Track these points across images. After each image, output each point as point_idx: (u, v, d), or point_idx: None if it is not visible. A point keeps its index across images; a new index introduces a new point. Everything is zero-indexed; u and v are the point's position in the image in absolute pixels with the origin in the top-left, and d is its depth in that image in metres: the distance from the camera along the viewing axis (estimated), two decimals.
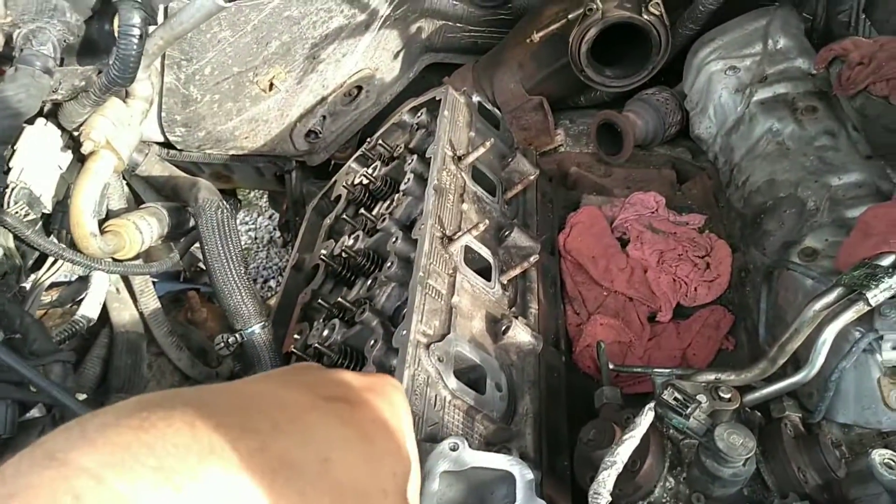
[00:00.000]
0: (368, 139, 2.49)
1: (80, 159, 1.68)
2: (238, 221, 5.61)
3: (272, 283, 5.16)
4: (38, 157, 1.60)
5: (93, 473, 0.49)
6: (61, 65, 1.60)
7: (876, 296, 1.23)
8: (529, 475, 1.24)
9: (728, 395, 1.28)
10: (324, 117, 2.58)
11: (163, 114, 2.10)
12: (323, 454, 0.64)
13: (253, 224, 5.73)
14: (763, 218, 1.78)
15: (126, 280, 1.74)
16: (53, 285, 1.71)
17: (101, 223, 1.67)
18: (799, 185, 1.71)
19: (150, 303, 1.77)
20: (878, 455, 1.19)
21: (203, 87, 2.09)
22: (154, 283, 2.85)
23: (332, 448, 0.66)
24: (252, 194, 5.57)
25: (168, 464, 0.52)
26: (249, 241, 5.60)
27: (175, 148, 2.29)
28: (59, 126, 1.68)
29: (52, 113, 1.69)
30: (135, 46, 1.48)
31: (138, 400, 0.60)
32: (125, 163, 1.69)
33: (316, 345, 1.66)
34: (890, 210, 1.33)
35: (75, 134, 1.68)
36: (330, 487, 0.62)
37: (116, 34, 1.51)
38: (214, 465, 0.54)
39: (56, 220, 1.62)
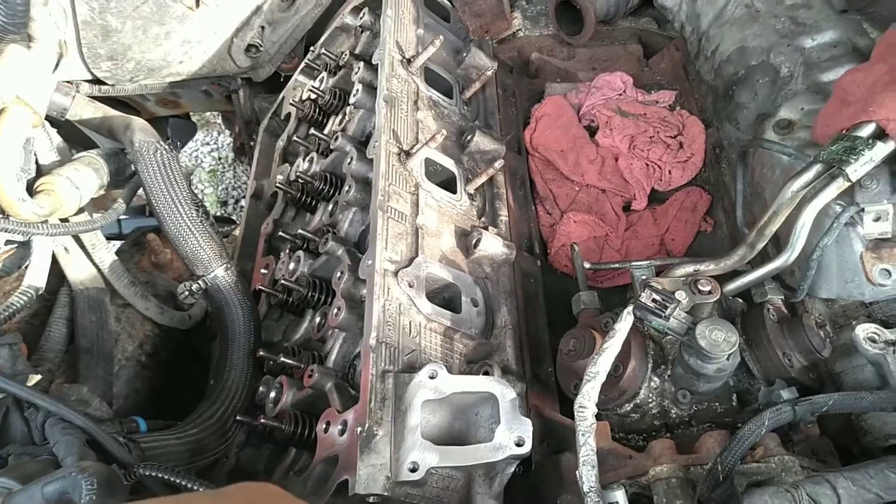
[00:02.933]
0: (312, 48, 2.32)
1: None
2: (199, 142, 5.36)
3: (244, 202, 4.93)
4: None
5: None
6: None
7: (856, 170, 1.16)
8: (511, 394, 1.21)
9: (708, 288, 1.23)
10: (262, 28, 2.38)
11: (84, 50, 1.93)
12: None
13: (215, 144, 5.42)
14: (735, 90, 1.68)
15: (76, 237, 1.63)
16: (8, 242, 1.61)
17: (33, 182, 1.55)
18: (771, 51, 1.60)
19: (105, 256, 1.67)
20: (862, 330, 1.17)
21: (121, 14, 1.90)
22: (120, 220, 2.72)
23: None
24: (208, 113, 5.23)
25: None
26: (214, 162, 5.35)
27: (106, 83, 2.11)
28: None
29: None
30: None
31: None
32: (42, 115, 1.54)
33: (283, 280, 1.60)
34: (868, 74, 1.24)
35: None
36: None
37: None
38: None
39: None
